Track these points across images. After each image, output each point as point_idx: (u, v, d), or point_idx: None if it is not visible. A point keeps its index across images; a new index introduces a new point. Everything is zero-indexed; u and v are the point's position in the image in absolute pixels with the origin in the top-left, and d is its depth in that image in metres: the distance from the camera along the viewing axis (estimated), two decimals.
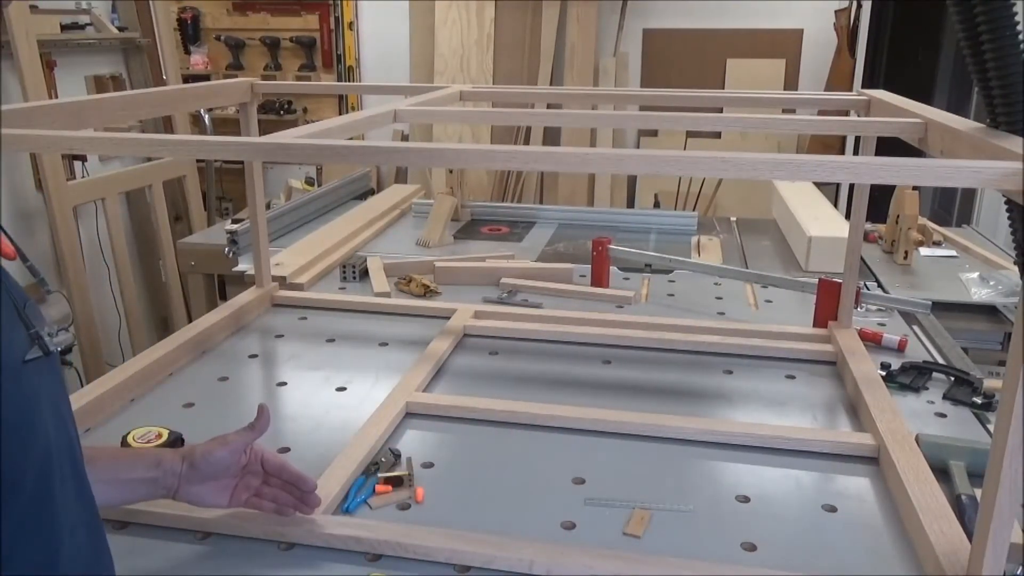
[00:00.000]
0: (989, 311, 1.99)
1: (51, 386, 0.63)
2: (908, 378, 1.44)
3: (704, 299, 1.93)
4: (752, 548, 0.99)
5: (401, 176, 4.51)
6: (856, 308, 1.66)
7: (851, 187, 2.55)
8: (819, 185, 2.88)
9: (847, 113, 1.70)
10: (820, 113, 2.55)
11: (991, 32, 0.92)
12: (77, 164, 3.11)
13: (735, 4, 4.24)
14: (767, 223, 2.72)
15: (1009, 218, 0.98)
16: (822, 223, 2.28)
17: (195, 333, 1.56)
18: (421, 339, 1.61)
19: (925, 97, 1.43)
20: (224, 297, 2.40)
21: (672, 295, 1.96)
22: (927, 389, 1.43)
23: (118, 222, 3.16)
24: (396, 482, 1.11)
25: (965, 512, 1.02)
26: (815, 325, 1.67)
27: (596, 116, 1.62)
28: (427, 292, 1.91)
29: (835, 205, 3.29)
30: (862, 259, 2.10)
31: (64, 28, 3.13)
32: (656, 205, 4.03)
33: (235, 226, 2.22)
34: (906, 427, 1.21)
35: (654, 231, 2.58)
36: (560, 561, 0.93)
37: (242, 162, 1.81)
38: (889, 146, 1.14)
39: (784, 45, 4.28)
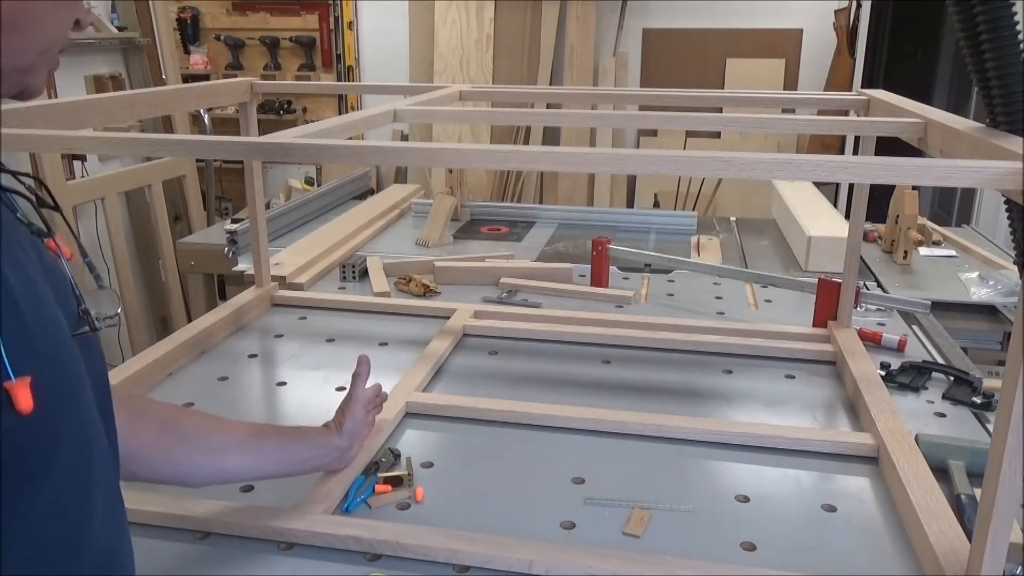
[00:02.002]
0: (988, 311, 1.99)
1: (94, 363, 0.66)
2: (908, 378, 1.44)
3: (703, 299, 1.93)
4: (752, 548, 0.99)
5: (401, 176, 4.51)
6: (856, 308, 1.66)
7: (851, 187, 2.55)
8: (819, 185, 2.88)
9: (847, 113, 1.70)
10: (820, 113, 2.55)
11: (991, 32, 0.92)
12: (76, 164, 3.11)
13: (735, 4, 4.24)
14: (766, 223, 2.72)
15: (1009, 218, 0.98)
16: (822, 223, 2.28)
17: (194, 333, 1.56)
18: (421, 339, 1.61)
19: (924, 97, 1.43)
20: (224, 297, 2.40)
21: (672, 295, 1.96)
22: (926, 389, 1.43)
23: (117, 222, 3.16)
24: (396, 482, 1.11)
25: (964, 512, 1.02)
26: (815, 325, 1.67)
27: (596, 116, 1.62)
28: (427, 292, 1.91)
29: (835, 205, 3.29)
30: (861, 259, 2.10)
31: None
32: (656, 205, 4.03)
33: (235, 226, 2.22)
34: (906, 427, 1.21)
35: (654, 231, 2.58)
36: (560, 561, 0.93)
37: (242, 162, 1.82)
38: (889, 146, 1.14)
39: (784, 45, 4.29)
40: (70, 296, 0.64)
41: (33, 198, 0.67)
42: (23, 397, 0.52)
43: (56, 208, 0.69)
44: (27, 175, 0.68)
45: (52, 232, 0.65)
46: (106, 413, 0.68)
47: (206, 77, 4.64)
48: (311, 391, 1.42)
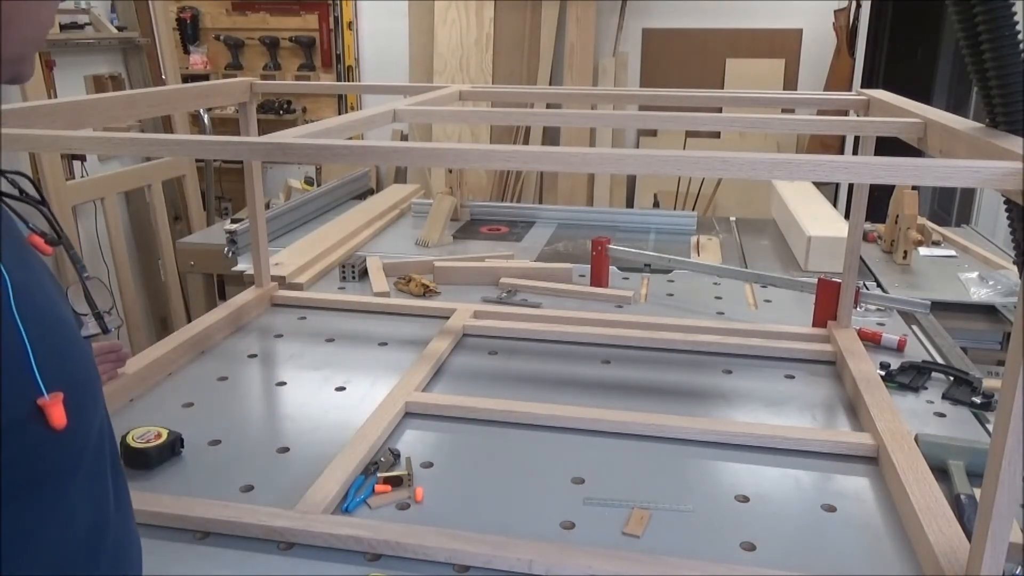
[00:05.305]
0: (988, 311, 1.99)
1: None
2: (907, 378, 1.44)
3: (703, 299, 1.93)
4: (751, 548, 0.99)
5: (400, 176, 4.51)
6: (855, 308, 1.66)
7: (850, 187, 2.55)
8: (818, 185, 2.88)
9: (846, 113, 1.70)
10: (819, 113, 2.56)
11: (990, 32, 0.92)
12: (76, 164, 3.10)
13: (735, 4, 4.24)
14: (766, 223, 2.72)
15: (1008, 218, 0.98)
16: (821, 223, 2.28)
17: (194, 333, 1.56)
18: (420, 339, 1.61)
19: (924, 97, 1.43)
20: (223, 297, 2.40)
21: (671, 295, 1.96)
22: (926, 389, 1.43)
23: (117, 222, 3.16)
24: (395, 482, 1.11)
25: (964, 512, 1.02)
26: (814, 325, 1.67)
27: (596, 116, 1.62)
28: (426, 292, 1.91)
29: (834, 205, 3.29)
30: (861, 259, 2.10)
31: (63, 28, 3.13)
32: (655, 205, 4.03)
33: (234, 226, 2.22)
34: (905, 427, 1.21)
35: (653, 231, 2.58)
36: (559, 561, 0.94)
37: (241, 162, 1.82)
38: (888, 146, 1.14)
39: (783, 45, 4.29)
40: (64, 298, 0.63)
41: (20, 194, 0.66)
42: (57, 415, 0.50)
43: (43, 203, 0.68)
44: (15, 172, 0.66)
45: (46, 233, 0.64)
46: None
47: (206, 77, 4.64)
48: (311, 391, 1.42)
